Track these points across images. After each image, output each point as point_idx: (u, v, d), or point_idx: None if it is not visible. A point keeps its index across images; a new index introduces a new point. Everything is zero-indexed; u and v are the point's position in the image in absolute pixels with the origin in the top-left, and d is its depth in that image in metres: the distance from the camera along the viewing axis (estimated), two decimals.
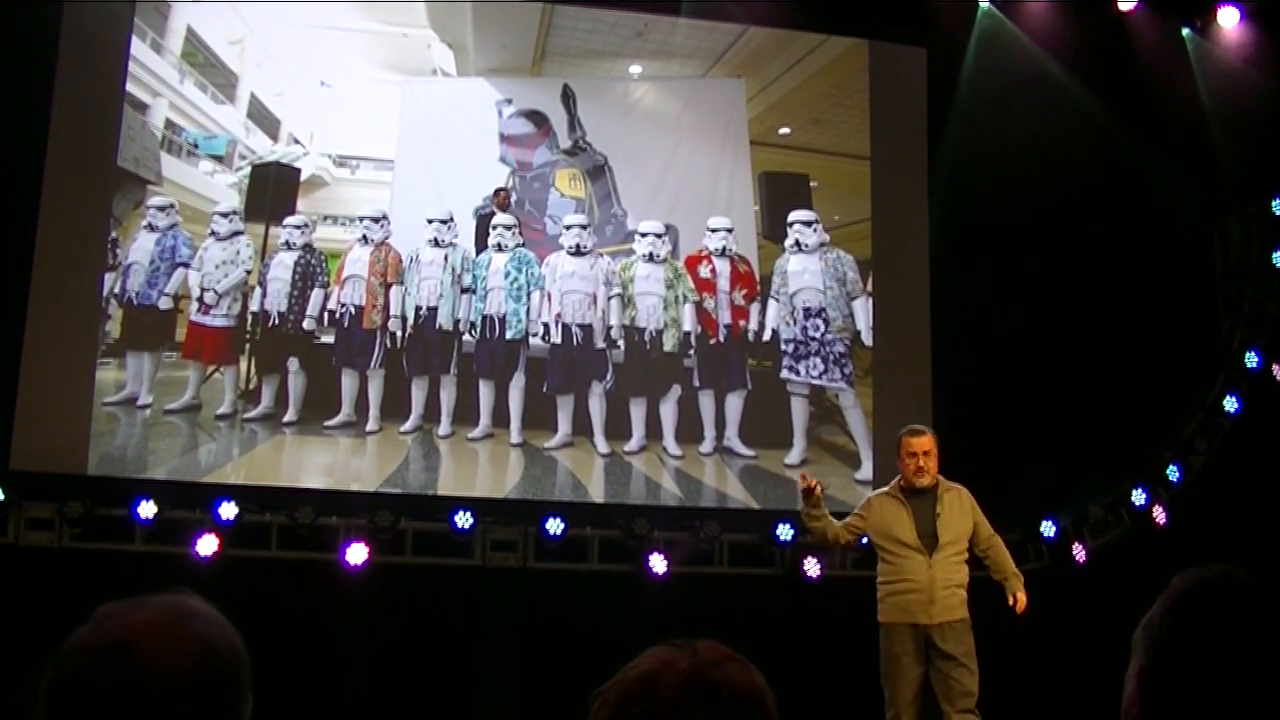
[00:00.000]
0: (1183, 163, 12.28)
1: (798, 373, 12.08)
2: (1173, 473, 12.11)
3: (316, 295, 11.57)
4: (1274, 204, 12.47)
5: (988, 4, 12.76)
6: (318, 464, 11.47)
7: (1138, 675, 2.28)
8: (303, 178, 11.84)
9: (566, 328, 11.77)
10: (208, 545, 10.37)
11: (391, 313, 11.63)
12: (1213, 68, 12.68)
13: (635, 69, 12.62)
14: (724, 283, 12.10)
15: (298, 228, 11.63)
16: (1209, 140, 12.48)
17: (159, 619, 2.20)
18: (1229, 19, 12.62)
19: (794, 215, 12.26)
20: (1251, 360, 12.31)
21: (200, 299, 11.32)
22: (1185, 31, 12.84)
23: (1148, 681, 2.26)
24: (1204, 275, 12.78)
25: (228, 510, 10.54)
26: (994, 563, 8.99)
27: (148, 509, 10.40)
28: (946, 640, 8.65)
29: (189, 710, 2.13)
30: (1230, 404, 12.23)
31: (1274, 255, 12.44)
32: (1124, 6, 12.58)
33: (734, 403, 12.00)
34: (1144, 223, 12.28)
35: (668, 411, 11.89)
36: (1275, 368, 12.32)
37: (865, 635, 11.73)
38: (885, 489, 9.03)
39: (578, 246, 11.88)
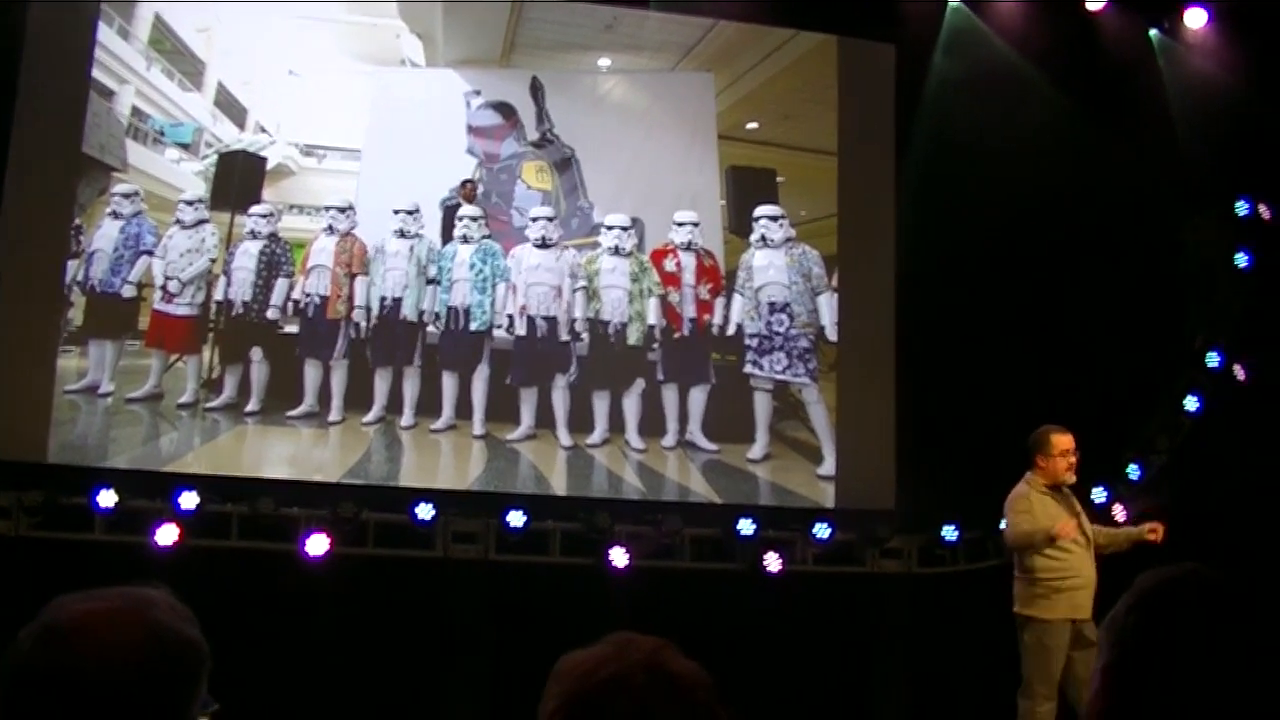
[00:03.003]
0: (1149, 163, 12.32)
1: (761, 367, 12.12)
2: (1133, 471, 12.16)
3: (281, 285, 11.55)
4: (1238, 205, 12.54)
5: (957, 1, 12.80)
6: (280, 454, 11.45)
7: (1102, 672, 2.33)
8: (269, 167, 11.81)
9: (531, 320, 11.78)
10: (168, 535, 10.37)
11: (356, 303, 11.62)
12: (1180, 68, 12.74)
13: (604, 62, 12.62)
14: (689, 276, 12.13)
15: (263, 217, 11.61)
16: (1175, 140, 12.52)
17: (107, 607, 2.23)
18: (1196, 20, 12.68)
19: (760, 210, 12.30)
20: (1213, 360, 12.38)
21: (164, 287, 11.31)
22: (1153, 32, 12.90)
23: (1112, 678, 2.30)
24: (1168, 275, 12.82)
25: (188, 500, 10.53)
26: (1111, 538, 9.34)
27: (108, 498, 10.39)
28: (1089, 631, 8.75)
29: (126, 696, 2.15)
30: (1192, 403, 12.29)
31: (1237, 256, 12.50)
32: (1092, 6, 12.63)
33: (697, 397, 12.02)
34: (1110, 222, 12.31)
35: (631, 405, 11.92)
36: (1237, 368, 12.39)
37: (825, 630, 11.85)
38: (1028, 487, 9.20)
39: (543, 239, 11.89)
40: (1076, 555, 8.88)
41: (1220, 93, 12.36)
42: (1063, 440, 9.07)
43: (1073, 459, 9.04)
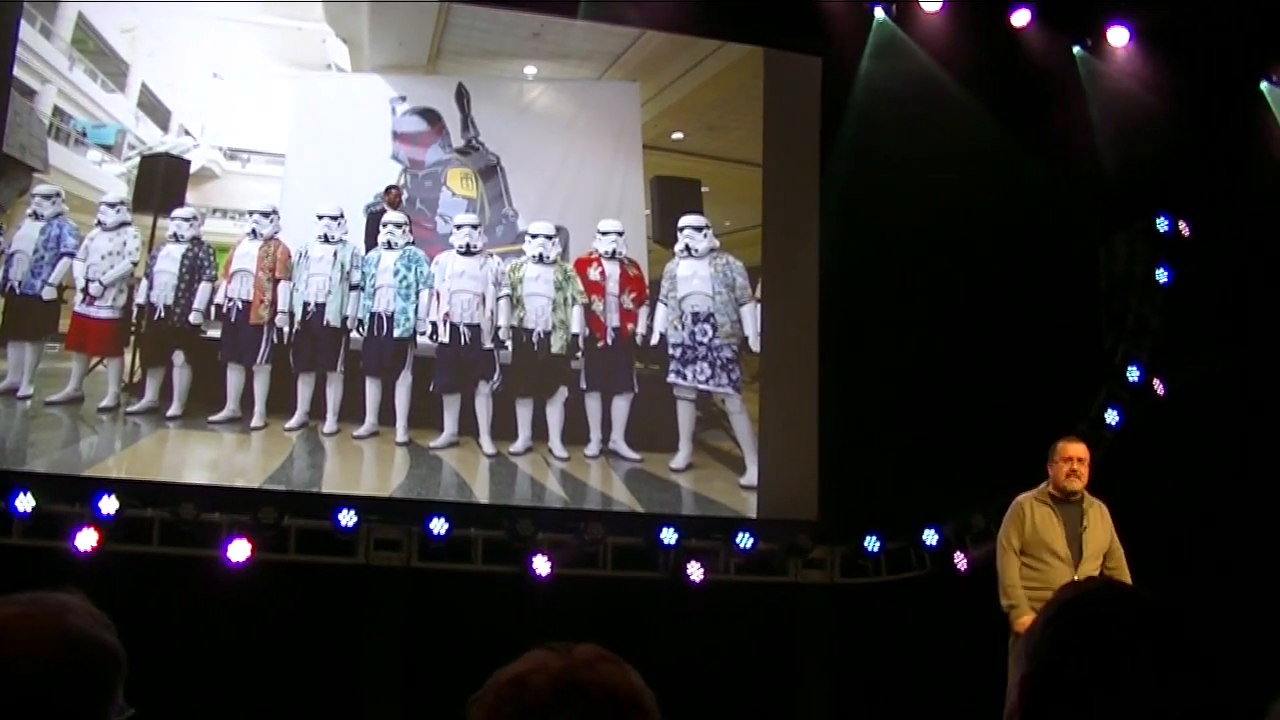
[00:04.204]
0: (1071, 178, 12.56)
1: (684, 377, 12.32)
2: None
3: (204, 289, 11.65)
4: (1159, 221, 12.82)
5: (883, 15, 13.03)
6: (201, 459, 11.54)
7: (1020, 685, 2.32)
8: (192, 170, 11.92)
9: (455, 327, 11.93)
10: (87, 540, 10.33)
11: (279, 308, 11.74)
12: (1102, 85, 13.02)
13: (530, 70, 12.80)
14: (613, 286, 12.31)
15: (186, 220, 11.69)
16: (1097, 156, 12.77)
17: (20, 611, 2.26)
18: (1119, 38, 12.99)
19: (685, 220, 12.52)
20: (1133, 374, 12.63)
21: (85, 290, 11.36)
22: (1076, 49, 13.20)
23: (1029, 691, 2.30)
24: (1089, 289, 13.08)
25: (108, 504, 10.50)
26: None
27: (26, 502, 10.34)
28: None
29: (38, 701, 2.19)
30: (1112, 417, 12.52)
31: (1157, 271, 12.78)
32: (1017, 23, 12.89)
33: (620, 406, 12.22)
34: (1032, 236, 12.52)
35: (554, 413, 12.10)
36: (1156, 382, 12.65)
37: (747, 639, 12.02)
38: (1033, 493, 9.27)
39: (468, 246, 12.04)
40: (1054, 569, 8.91)
41: (1142, 110, 12.65)
42: (1068, 448, 9.21)
43: (1076, 466, 9.13)
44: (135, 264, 11.51)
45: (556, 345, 12.12)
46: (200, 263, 11.67)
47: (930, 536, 12.15)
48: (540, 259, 12.15)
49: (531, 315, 12.10)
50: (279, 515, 10.95)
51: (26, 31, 11.46)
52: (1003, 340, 12.34)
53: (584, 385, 12.19)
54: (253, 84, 12.22)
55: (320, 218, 11.89)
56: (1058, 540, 9.00)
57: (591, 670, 2.11)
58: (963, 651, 10.13)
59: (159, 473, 11.32)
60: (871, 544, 12.25)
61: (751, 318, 12.50)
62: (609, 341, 12.27)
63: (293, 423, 11.65)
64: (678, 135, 13.02)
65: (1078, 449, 9.23)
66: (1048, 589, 8.72)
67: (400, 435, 11.83)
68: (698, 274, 12.42)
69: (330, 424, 11.72)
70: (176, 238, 11.64)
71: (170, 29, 12.08)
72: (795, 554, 12.19)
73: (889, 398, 12.19)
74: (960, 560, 12.08)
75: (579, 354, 12.20)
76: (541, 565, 11.34)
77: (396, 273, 11.91)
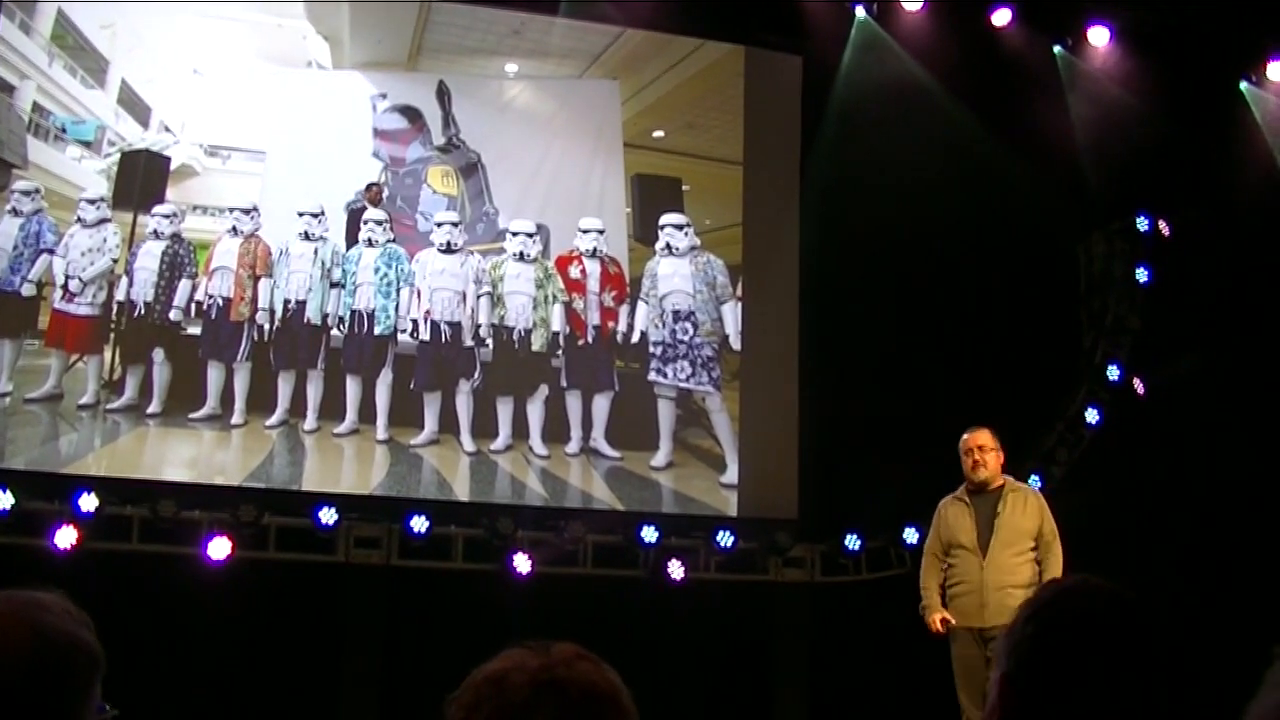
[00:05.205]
0: (1052, 177, 12.62)
1: (665, 375, 12.40)
2: (1034, 483, 12.46)
3: (184, 286, 11.67)
4: (1139, 221, 12.92)
5: (864, 14, 13.11)
6: (181, 456, 11.57)
7: (999, 683, 2.37)
8: (173, 166, 11.92)
9: (435, 325, 12.00)
10: (66, 537, 10.38)
11: (259, 305, 11.77)
12: (1082, 85, 13.11)
13: (511, 67, 12.88)
14: (594, 284, 12.39)
15: (166, 217, 11.72)
16: (1078, 156, 12.85)
17: None
18: (1099, 38, 13.07)
19: (665, 218, 12.61)
20: (1113, 373, 12.73)
21: (64, 287, 11.37)
22: (1057, 49, 13.29)
23: (1009, 689, 2.35)
24: (1070, 289, 13.16)
25: (88, 502, 10.55)
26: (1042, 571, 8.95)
27: (4, 500, 10.36)
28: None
29: (12, 699, 2.18)
30: (1091, 416, 12.61)
31: (1137, 271, 12.87)
32: (998, 22, 12.96)
33: (601, 404, 12.29)
34: (1013, 235, 12.59)
35: (534, 411, 12.16)
36: (1136, 381, 12.75)
37: (727, 637, 12.09)
38: (950, 496, 9.27)
39: (448, 244, 12.11)
40: (965, 560, 8.96)
41: (1122, 109, 12.74)
42: (968, 439, 9.16)
43: (978, 456, 9.03)
44: (115, 261, 11.53)
45: (537, 343, 12.19)
46: (180, 260, 11.70)
47: (910, 535, 12.19)
48: (521, 257, 12.21)
49: (512, 313, 12.16)
50: (259, 513, 11.01)
51: (5, 27, 11.48)
52: (982, 339, 12.41)
53: (564, 383, 12.26)
54: (233, 81, 12.25)
55: (301, 215, 11.94)
56: (968, 533, 8.96)
57: (569, 668, 2.13)
58: (942, 650, 10.20)
59: (138, 470, 11.35)
60: (852, 542, 12.37)
61: (732, 316, 12.60)
62: (589, 339, 12.34)
63: (273, 420, 11.69)
64: (658, 133, 13.10)
65: (978, 438, 9.13)
66: (963, 582, 8.95)
67: (380, 433, 11.88)
68: (678, 272, 12.51)
69: (310, 422, 11.75)
70: (156, 234, 11.66)
71: (150, 25, 12.11)
72: (775, 552, 12.29)
73: (869, 396, 12.25)
74: None
75: (559, 352, 12.27)
76: (522, 563, 11.43)
77: (377, 270, 11.96)
